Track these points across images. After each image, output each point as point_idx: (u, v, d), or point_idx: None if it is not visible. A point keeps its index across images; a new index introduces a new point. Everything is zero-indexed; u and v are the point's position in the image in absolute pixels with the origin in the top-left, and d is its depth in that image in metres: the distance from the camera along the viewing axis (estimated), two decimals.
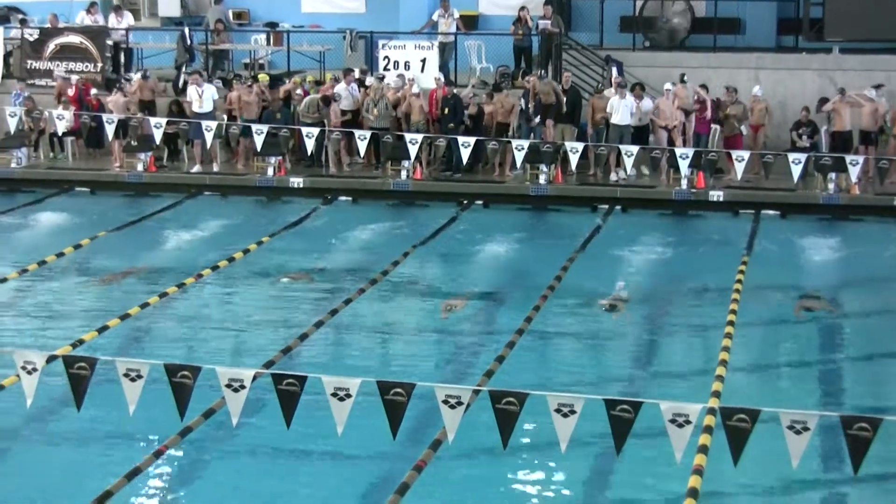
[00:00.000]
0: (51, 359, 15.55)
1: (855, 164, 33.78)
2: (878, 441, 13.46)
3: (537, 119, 36.21)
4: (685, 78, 36.87)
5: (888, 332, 24.22)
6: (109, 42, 41.70)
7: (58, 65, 41.19)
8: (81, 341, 22.83)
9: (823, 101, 35.62)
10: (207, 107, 37.34)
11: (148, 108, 38.69)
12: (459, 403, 13.76)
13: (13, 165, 37.77)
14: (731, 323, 24.56)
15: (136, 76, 39.80)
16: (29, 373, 15.08)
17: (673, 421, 13.40)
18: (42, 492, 17.80)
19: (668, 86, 35.83)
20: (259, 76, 39.81)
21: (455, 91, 37.40)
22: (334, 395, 13.93)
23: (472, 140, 35.26)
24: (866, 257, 30.54)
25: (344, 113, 37.53)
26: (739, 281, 27.68)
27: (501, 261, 31.25)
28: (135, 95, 38.80)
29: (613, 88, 36.40)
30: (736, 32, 40.98)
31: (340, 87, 37.90)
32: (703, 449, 17.07)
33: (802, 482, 17.07)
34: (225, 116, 37.71)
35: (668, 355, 23.93)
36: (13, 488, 18.18)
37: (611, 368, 22.71)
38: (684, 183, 34.94)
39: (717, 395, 20.08)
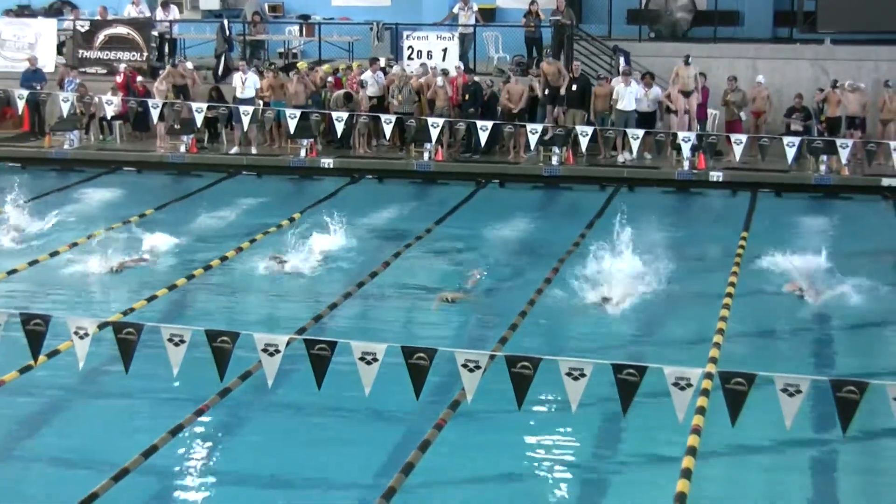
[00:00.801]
0: (102, 325, 15.58)
1: (844, 148, 33.87)
2: (865, 403, 13.47)
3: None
4: (689, 59, 36.84)
5: (875, 302, 24.16)
6: (154, 33, 41.75)
7: (107, 54, 41.25)
8: (132, 309, 22.91)
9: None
10: (249, 93, 37.47)
11: (182, 92, 38.73)
12: (478, 367, 13.77)
13: (66, 147, 37.88)
14: (729, 295, 24.59)
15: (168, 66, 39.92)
16: (81, 338, 15.11)
17: (675, 384, 13.40)
18: (93, 446, 17.94)
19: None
20: (298, 64, 39.89)
21: (476, 79, 37.51)
22: (362, 358, 13.94)
23: (489, 124, 35.37)
24: (855, 233, 30.53)
25: (370, 99, 37.60)
26: (738, 255, 27.72)
27: (516, 235, 31.25)
28: (166, 81, 38.83)
29: (620, 77, 36.49)
30: (735, 24, 40.96)
31: (367, 75, 38.00)
32: (702, 410, 17.13)
33: (795, 441, 17.09)
34: (261, 102, 37.68)
35: (670, 323, 23.94)
36: (67, 443, 18.30)
37: (617, 335, 22.71)
38: (686, 164, 35.01)
39: (714, 360, 20.14)
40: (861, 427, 14.54)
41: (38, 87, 38.49)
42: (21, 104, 38.21)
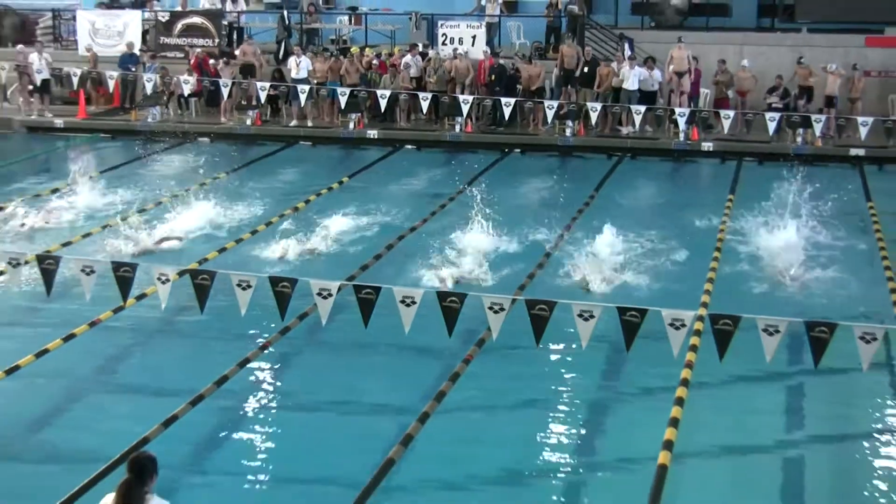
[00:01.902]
0: (181, 272, 15.68)
1: (818, 122, 34.02)
2: (834, 342, 13.51)
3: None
4: (681, 39, 37.06)
5: (844, 253, 24.17)
6: (224, 22, 41.80)
7: (183, 40, 41.39)
8: (206, 259, 23.03)
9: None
10: (302, 74, 37.55)
11: (249, 72, 38.80)
12: (502, 309, 13.84)
13: (149, 120, 38.01)
14: (718, 249, 24.63)
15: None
16: (163, 283, 15.23)
17: (672, 324, 13.47)
18: (173, 375, 18.14)
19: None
20: (351, 49, 39.98)
21: (500, 62, 37.59)
22: (402, 301, 14.03)
23: (512, 101, 35.54)
24: (827, 195, 30.42)
25: (411, 79, 37.65)
26: (725, 215, 27.72)
27: (535, 196, 31.33)
28: (243, 59, 39.05)
29: (626, 61, 36.54)
30: (724, 15, 40.85)
31: (408, 58, 38.05)
32: (693, 348, 17.19)
33: (774, 374, 17.16)
34: (314, 81, 37.75)
35: (667, 271, 23.91)
36: (151, 371, 18.49)
37: (621, 281, 22.76)
38: (682, 136, 35.06)
39: (705, 305, 20.19)
40: (830, 364, 14.55)
41: (133, 69, 38.63)
42: (112, 84, 38.41)
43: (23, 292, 20.82)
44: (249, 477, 15.02)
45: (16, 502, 13.86)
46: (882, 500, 14.15)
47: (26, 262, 16.51)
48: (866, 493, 14.46)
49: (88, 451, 15.26)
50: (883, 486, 14.50)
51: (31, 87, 38.97)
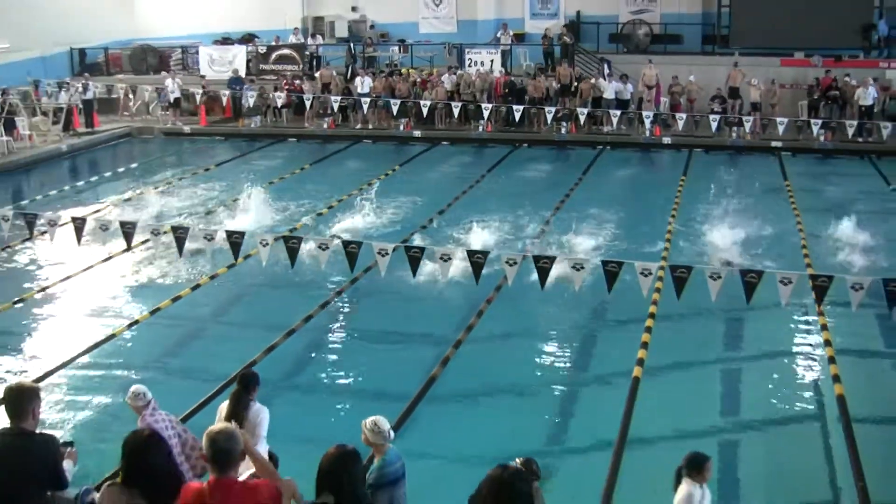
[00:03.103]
0: (276, 238, 15.58)
1: (748, 122, 33.85)
2: (762, 285, 13.30)
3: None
4: (651, 60, 37.06)
5: (767, 218, 23.95)
6: (307, 52, 41.61)
7: (276, 66, 41.31)
8: (295, 228, 22.97)
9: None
10: (365, 89, 37.37)
11: (327, 89, 38.65)
12: (515, 263, 13.69)
13: (252, 126, 37.89)
14: (673, 216, 24.52)
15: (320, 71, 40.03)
16: (263, 246, 15.08)
17: (642, 273, 13.28)
18: (274, 315, 18.11)
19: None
20: (401, 70, 39.84)
21: (512, 78, 37.43)
22: (442, 258, 13.88)
23: (521, 107, 35.42)
24: (754, 176, 30.30)
25: (447, 91, 37.47)
26: (679, 190, 27.59)
27: (538, 178, 31.11)
28: (321, 79, 38.96)
29: (605, 78, 36.40)
30: (678, 43, 40.45)
31: (445, 77, 37.85)
32: (658, 290, 17.04)
33: (717, 309, 16.93)
34: (374, 95, 37.56)
35: (637, 230, 23.88)
36: (257, 313, 18.47)
37: (603, 239, 22.67)
38: (647, 132, 34.78)
39: (664, 258, 20.03)
40: (759, 303, 14.36)
41: (238, 89, 38.54)
42: (225, 100, 38.41)
43: (168, 254, 20.87)
44: (326, 389, 15.03)
45: (165, 404, 13.82)
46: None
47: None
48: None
49: (212, 370, 15.27)
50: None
51: (165, 103, 39.03)
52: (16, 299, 18.86)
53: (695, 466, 8.92)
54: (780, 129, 33.27)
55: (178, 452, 9.35)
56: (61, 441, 7.82)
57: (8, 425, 7.15)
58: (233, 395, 10.10)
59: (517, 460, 8.82)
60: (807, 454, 13.14)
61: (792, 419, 14.13)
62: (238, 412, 9.89)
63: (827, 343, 16.14)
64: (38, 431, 7.34)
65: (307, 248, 16.49)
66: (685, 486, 8.84)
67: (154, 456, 6.46)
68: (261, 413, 10.10)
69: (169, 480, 6.46)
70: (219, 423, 6.66)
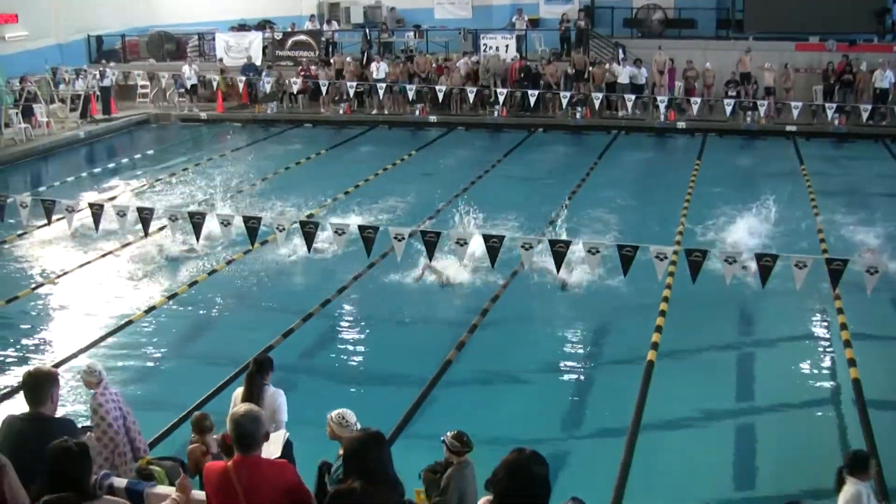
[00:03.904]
0: (293, 223, 15.56)
1: (762, 106, 33.69)
2: (777, 269, 13.21)
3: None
4: (660, 47, 36.87)
5: (783, 200, 23.80)
6: (323, 38, 41.57)
7: (292, 52, 41.26)
8: (313, 214, 22.94)
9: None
10: (381, 75, 37.29)
11: (341, 74, 38.62)
12: (531, 247, 13.66)
13: (268, 112, 37.83)
14: (688, 200, 24.43)
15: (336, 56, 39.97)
16: (280, 230, 15.10)
17: (657, 257, 13.22)
18: (281, 303, 18.14)
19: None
20: (416, 56, 39.70)
21: (527, 63, 37.29)
22: (458, 242, 13.85)
23: (536, 92, 35.33)
24: (769, 160, 30.21)
25: (460, 77, 37.37)
26: (694, 172, 27.53)
27: (554, 162, 31.02)
28: (336, 65, 38.93)
29: (619, 62, 36.22)
30: (692, 28, 40.17)
31: (461, 62, 37.74)
32: (671, 274, 16.98)
33: (731, 293, 16.89)
34: (389, 80, 37.49)
35: (652, 213, 23.89)
36: (277, 298, 18.43)
37: (619, 221, 22.76)
38: (662, 117, 34.61)
39: (678, 242, 19.95)
40: (774, 287, 14.29)
41: (252, 76, 38.53)
42: (241, 86, 38.43)
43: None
44: (341, 373, 15.01)
45: (182, 388, 13.88)
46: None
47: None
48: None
49: (229, 355, 15.28)
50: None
51: (182, 89, 39.06)
52: (34, 285, 18.93)
53: (860, 465, 8.77)
54: (795, 113, 33.11)
55: (119, 426, 9.49)
56: (80, 426, 7.83)
57: (27, 410, 7.16)
58: (247, 378, 10.08)
59: (448, 434, 8.88)
60: (821, 438, 13.06)
61: (807, 403, 14.07)
62: (252, 396, 9.85)
63: (843, 327, 16.05)
64: (56, 416, 7.35)
65: (324, 233, 16.48)
66: (851, 486, 8.66)
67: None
68: (278, 397, 10.05)
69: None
70: (242, 405, 6.64)
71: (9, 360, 15.54)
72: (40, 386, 7.17)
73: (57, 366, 14.10)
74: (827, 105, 33.62)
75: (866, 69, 34.46)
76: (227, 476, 6.31)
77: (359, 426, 8.58)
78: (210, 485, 6.44)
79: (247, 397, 9.84)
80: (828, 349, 15.72)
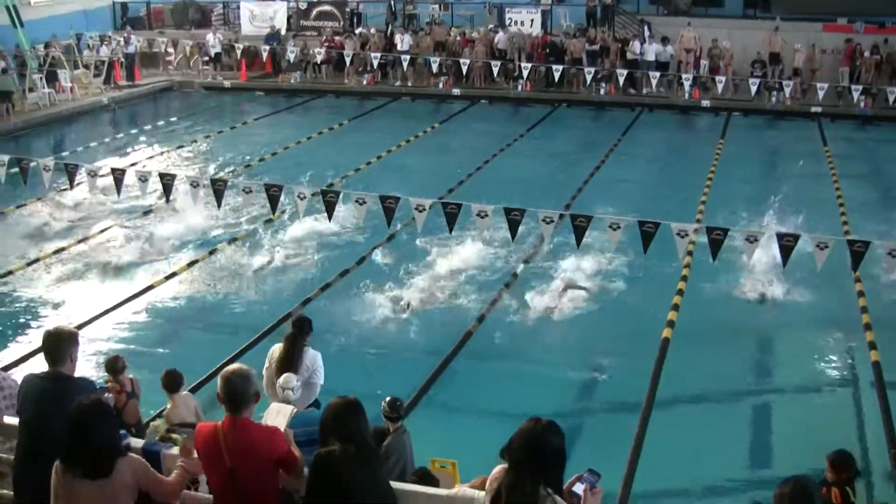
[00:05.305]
0: (314, 193, 15.57)
1: (788, 86, 33.44)
2: (798, 250, 13.12)
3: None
4: (690, 23, 36.42)
5: (806, 181, 23.72)
6: (347, 9, 41.45)
7: (317, 23, 41.19)
8: (332, 184, 22.92)
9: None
10: (405, 47, 37.17)
11: (365, 45, 38.48)
12: (552, 221, 13.60)
13: (292, 81, 37.76)
14: (710, 178, 24.29)
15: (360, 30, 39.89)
16: (301, 199, 15.11)
17: (678, 234, 13.14)
18: (301, 272, 18.21)
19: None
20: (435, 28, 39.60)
21: (552, 39, 37.10)
22: (478, 214, 13.80)
23: (560, 67, 35.15)
24: (793, 141, 30.06)
25: (486, 51, 37.25)
26: (717, 151, 27.41)
27: (578, 138, 30.93)
28: (360, 36, 38.85)
29: (645, 40, 35.98)
30: (718, 6, 39.85)
31: (500, 34, 37.51)
32: (690, 253, 16.91)
33: (751, 273, 16.92)
34: (413, 52, 37.41)
35: (673, 190, 23.89)
36: (299, 270, 18.43)
37: (642, 195, 22.77)
38: (686, 95, 34.41)
39: (699, 221, 19.87)
40: (795, 267, 14.19)
41: (276, 45, 38.50)
42: (265, 55, 38.43)
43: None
44: (361, 343, 15.03)
45: (201, 360, 13.94)
46: None
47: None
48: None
49: (247, 323, 15.36)
50: None
51: (206, 58, 39.04)
52: (55, 249, 19.02)
53: None
54: (820, 94, 32.86)
55: None
56: (97, 386, 7.86)
57: (46, 369, 7.19)
58: (287, 338, 10.20)
59: (384, 400, 8.97)
60: (839, 420, 13.02)
61: (825, 384, 14.04)
62: (293, 356, 10.01)
63: (863, 310, 15.97)
64: (75, 375, 7.38)
65: (345, 200, 16.49)
66: None
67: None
68: (317, 359, 10.23)
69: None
70: (237, 364, 6.63)
71: (29, 321, 15.65)
72: (60, 345, 7.18)
73: (78, 328, 14.19)
74: (853, 87, 33.35)
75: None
76: (216, 435, 6.28)
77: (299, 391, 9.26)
78: (198, 443, 6.42)
79: (287, 357, 10.02)
80: (848, 331, 15.60)
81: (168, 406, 10.24)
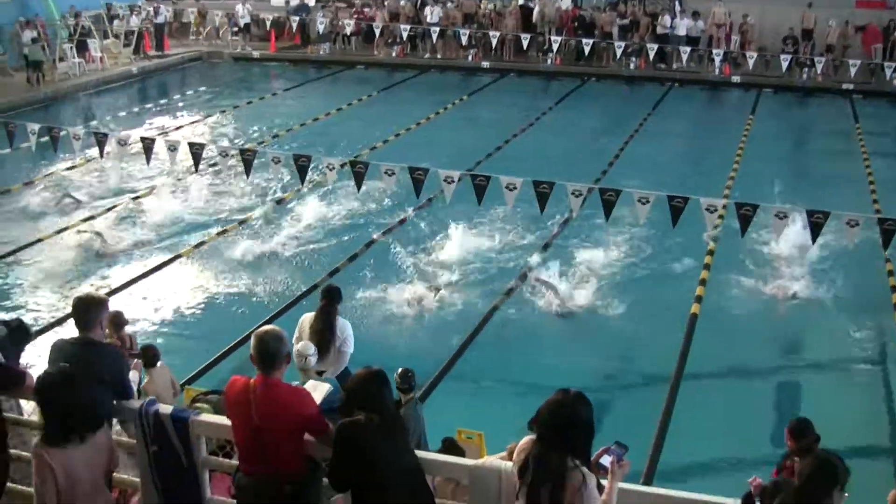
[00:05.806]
0: (343, 164, 15.57)
1: (820, 63, 33.14)
2: (828, 227, 13.00)
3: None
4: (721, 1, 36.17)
5: (836, 158, 23.52)
6: None
7: None
8: (360, 154, 22.89)
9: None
10: (435, 19, 37.08)
11: (395, 17, 38.44)
12: (581, 194, 13.55)
13: (321, 53, 37.75)
14: (739, 154, 24.16)
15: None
16: (330, 170, 15.11)
17: (707, 209, 13.09)
18: (328, 242, 18.21)
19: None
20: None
21: (581, 13, 36.91)
22: (507, 187, 13.76)
23: (590, 41, 34.97)
24: (824, 118, 29.85)
25: (515, 24, 37.14)
26: (747, 127, 27.26)
27: (608, 111, 30.82)
28: (390, 10, 38.80)
29: (676, 14, 35.76)
30: None
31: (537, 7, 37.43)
32: (716, 226, 16.81)
33: (779, 250, 16.83)
34: (444, 24, 37.30)
35: (704, 164, 23.85)
36: (323, 238, 18.43)
37: (669, 170, 22.62)
38: (717, 70, 34.20)
39: (726, 197, 19.75)
40: (824, 245, 14.08)
41: (305, 16, 38.45)
42: (295, 26, 38.42)
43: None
44: (387, 316, 14.97)
45: (226, 328, 13.95)
46: None
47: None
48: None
49: (275, 291, 15.41)
50: None
51: (235, 28, 39.04)
52: (85, 217, 19.11)
53: None
54: (852, 71, 32.54)
55: None
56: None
57: (77, 335, 7.23)
58: (321, 308, 10.25)
59: (398, 371, 9.04)
60: (869, 398, 12.96)
61: (854, 362, 13.93)
62: (326, 324, 10.11)
63: (893, 289, 15.85)
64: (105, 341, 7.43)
65: (372, 171, 16.48)
66: None
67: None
68: (346, 328, 10.32)
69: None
70: (270, 326, 6.64)
71: (59, 287, 15.76)
72: (89, 311, 7.20)
73: (109, 294, 14.27)
74: (886, 64, 33.01)
75: None
76: (246, 391, 6.32)
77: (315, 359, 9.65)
78: (229, 397, 6.46)
79: (320, 325, 10.13)
80: (878, 309, 15.46)
81: (146, 379, 10.26)
